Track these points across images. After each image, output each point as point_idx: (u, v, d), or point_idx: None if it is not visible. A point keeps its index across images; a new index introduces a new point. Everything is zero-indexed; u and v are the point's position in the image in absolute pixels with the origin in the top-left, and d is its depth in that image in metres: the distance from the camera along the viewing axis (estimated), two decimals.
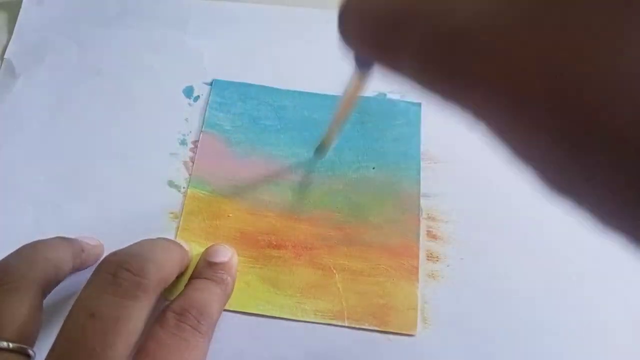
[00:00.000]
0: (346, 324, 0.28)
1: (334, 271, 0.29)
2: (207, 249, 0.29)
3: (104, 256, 0.29)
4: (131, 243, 0.29)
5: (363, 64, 0.21)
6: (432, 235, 0.31)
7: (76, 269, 0.27)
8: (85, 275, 0.24)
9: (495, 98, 0.11)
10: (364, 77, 0.23)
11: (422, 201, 0.32)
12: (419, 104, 0.35)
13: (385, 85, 0.36)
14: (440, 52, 0.12)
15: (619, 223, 0.11)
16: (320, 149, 0.32)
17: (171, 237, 0.30)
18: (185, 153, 0.33)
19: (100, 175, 0.32)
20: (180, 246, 0.28)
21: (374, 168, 0.33)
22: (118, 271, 0.22)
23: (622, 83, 0.09)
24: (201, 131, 0.34)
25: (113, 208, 0.31)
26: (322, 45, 0.37)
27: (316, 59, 0.37)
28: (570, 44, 0.10)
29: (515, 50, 0.10)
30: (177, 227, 0.30)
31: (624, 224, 0.11)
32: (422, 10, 0.12)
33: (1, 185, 0.32)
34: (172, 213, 0.31)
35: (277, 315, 0.28)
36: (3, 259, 0.24)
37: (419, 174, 0.32)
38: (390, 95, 0.35)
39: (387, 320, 0.28)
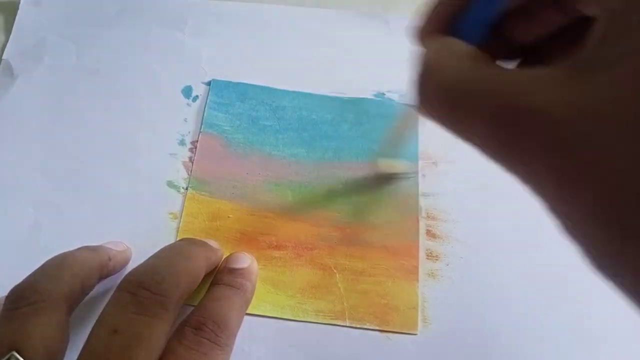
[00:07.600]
0: (347, 324, 0.28)
1: (335, 271, 0.29)
2: (227, 257, 0.29)
3: (130, 262, 0.29)
4: (131, 242, 0.29)
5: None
6: (431, 235, 0.31)
7: (103, 278, 0.27)
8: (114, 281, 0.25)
9: (548, 176, 0.13)
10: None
11: (421, 200, 0.32)
12: None
13: (383, 85, 0.36)
14: (505, 129, 0.14)
15: None
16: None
17: (171, 237, 0.30)
18: (185, 153, 0.33)
19: (100, 176, 0.32)
20: (206, 245, 0.27)
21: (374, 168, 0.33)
22: (137, 291, 0.22)
23: None
24: (200, 132, 0.34)
25: (113, 208, 0.31)
26: (321, 45, 0.38)
27: (315, 59, 0.37)
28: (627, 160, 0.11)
29: (567, 140, 0.12)
30: (177, 228, 0.30)
31: None
32: (489, 90, 0.14)
33: (1, 185, 0.32)
34: (171, 213, 0.31)
35: (278, 316, 0.28)
36: (29, 276, 0.23)
37: (418, 173, 0.33)
38: (388, 95, 0.35)
39: (387, 319, 0.28)
